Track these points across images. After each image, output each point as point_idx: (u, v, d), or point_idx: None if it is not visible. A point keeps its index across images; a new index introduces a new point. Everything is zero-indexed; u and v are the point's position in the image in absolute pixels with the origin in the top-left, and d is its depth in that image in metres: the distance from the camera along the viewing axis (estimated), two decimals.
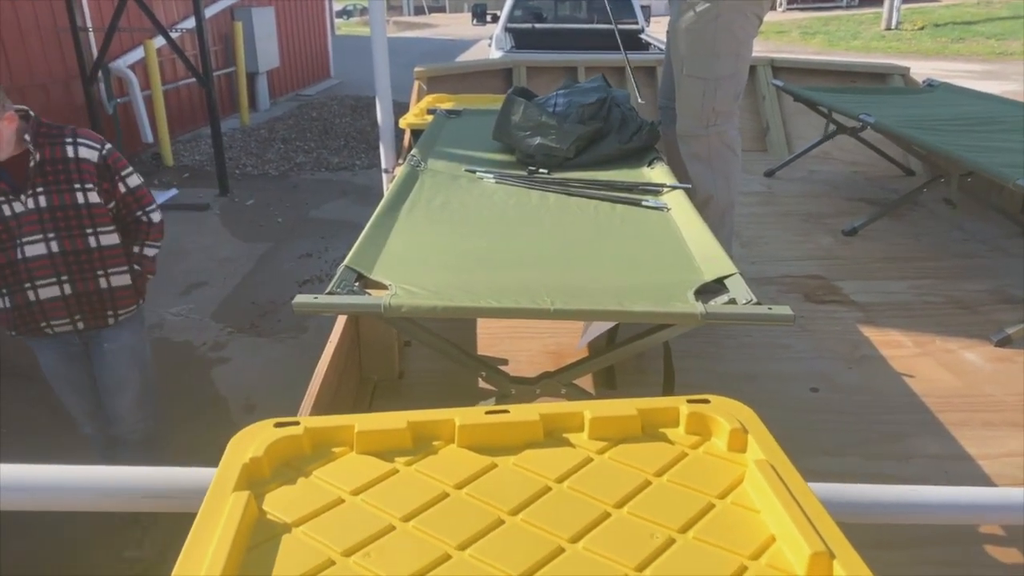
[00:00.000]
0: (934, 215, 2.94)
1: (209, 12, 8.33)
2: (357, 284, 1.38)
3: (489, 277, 1.44)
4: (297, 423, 1.01)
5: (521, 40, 7.01)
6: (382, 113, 2.85)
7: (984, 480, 1.47)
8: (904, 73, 3.92)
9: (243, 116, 8.94)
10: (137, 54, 7.04)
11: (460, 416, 1.02)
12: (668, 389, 1.69)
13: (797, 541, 0.82)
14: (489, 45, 7.31)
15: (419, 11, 35.16)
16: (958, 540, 1.32)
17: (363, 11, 36.91)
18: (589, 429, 1.03)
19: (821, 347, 1.98)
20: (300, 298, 1.27)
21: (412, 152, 2.25)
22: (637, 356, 1.91)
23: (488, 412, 1.04)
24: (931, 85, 3.42)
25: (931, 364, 1.90)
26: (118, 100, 6.93)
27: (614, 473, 0.97)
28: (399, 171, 2.07)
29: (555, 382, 1.42)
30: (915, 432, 1.62)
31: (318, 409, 1.37)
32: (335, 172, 7.34)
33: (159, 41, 6.74)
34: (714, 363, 1.94)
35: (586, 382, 1.83)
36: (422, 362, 1.86)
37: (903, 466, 1.52)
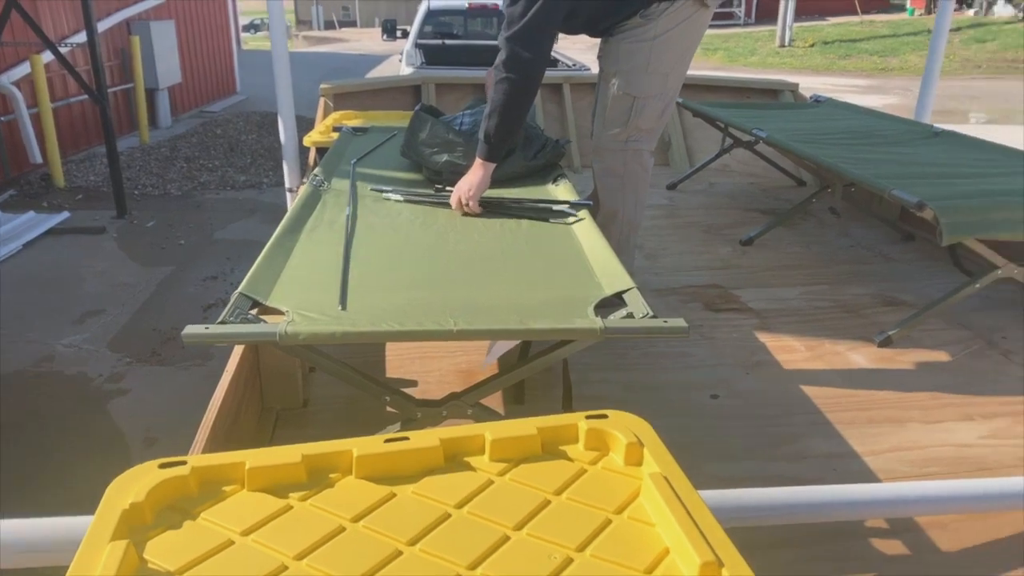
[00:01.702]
0: (823, 224, 3.11)
1: (102, 26, 7.94)
2: (253, 312, 1.34)
3: (391, 299, 1.43)
4: (184, 463, 0.97)
5: (431, 56, 7.00)
6: (284, 131, 2.79)
7: (870, 476, 1.56)
8: (794, 89, 4.15)
9: (143, 134, 8.56)
10: (23, 69, 6.63)
11: (358, 446, 1.00)
12: (567, 405, 1.71)
13: (688, 552, 0.84)
14: (400, 61, 7.27)
15: (329, 25, 34.68)
16: (848, 535, 1.39)
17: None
18: (490, 451, 1.03)
19: (720, 354, 2.06)
20: (189, 329, 1.22)
21: (315, 171, 2.21)
22: (545, 371, 1.93)
23: (387, 440, 1.03)
24: (818, 100, 3.62)
25: (821, 367, 2.00)
26: (2, 119, 6.51)
27: (514, 495, 0.97)
28: (301, 191, 2.03)
29: (462, 403, 1.42)
30: (807, 433, 1.70)
31: (213, 444, 1.31)
32: (241, 191, 7.12)
33: (47, 56, 6.38)
34: (620, 374, 1.98)
35: (495, 400, 1.83)
36: (328, 388, 1.82)
37: (797, 467, 1.59)
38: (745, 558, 1.33)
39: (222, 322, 1.26)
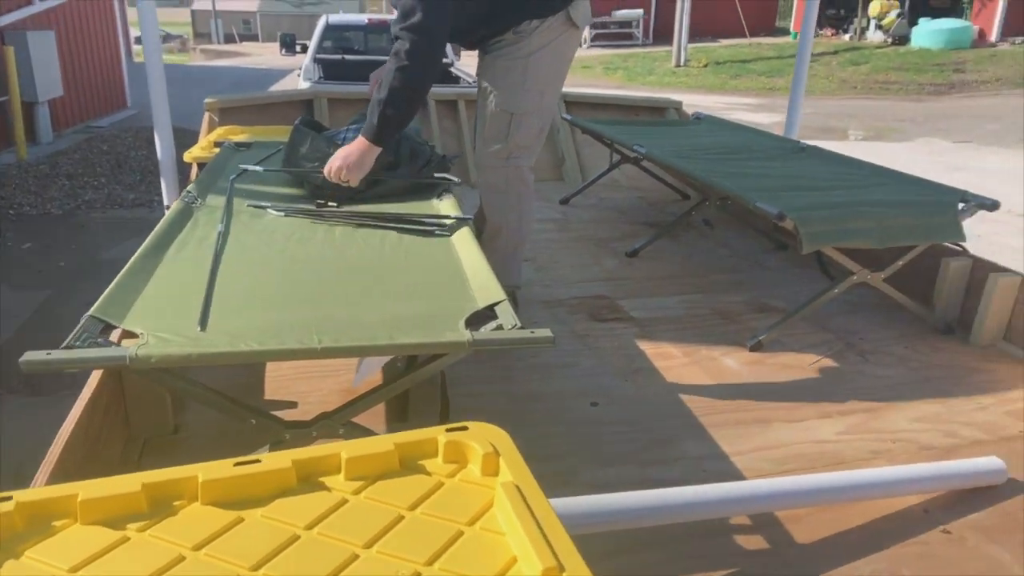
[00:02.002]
0: (704, 235, 3.26)
1: None
2: (104, 336, 1.27)
3: (257, 318, 1.39)
4: (9, 498, 0.91)
5: (330, 71, 6.91)
6: (161, 145, 2.68)
7: (736, 475, 1.63)
8: (678, 107, 4.33)
9: (20, 150, 8.03)
10: None
11: (203, 471, 0.97)
12: (444, 418, 1.71)
13: (533, 559, 0.86)
14: (299, 76, 7.14)
15: (230, 39, 33.66)
16: (713, 533, 1.45)
17: (167, 38, 34.69)
18: (346, 470, 1.02)
19: (602, 363, 2.11)
20: (29, 355, 1.15)
21: (188, 188, 2.14)
22: (431, 386, 1.93)
23: (236, 464, 1.00)
24: (698, 118, 3.80)
25: (696, 371, 2.08)
26: None
27: (368, 512, 0.96)
28: (171, 208, 1.95)
29: (332, 422, 1.40)
30: (680, 436, 1.77)
31: (62, 478, 1.24)
32: (130, 209, 6.78)
33: None
34: (506, 386, 2.00)
35: (378, 418, 1.81)
36: (201, 414, 1.75)
37: (668, 469, 1.64)
38: (612, 561, 1.37)
39: (67, 347, 1.19)
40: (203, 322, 1.33)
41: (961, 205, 2.26)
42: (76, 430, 1.33)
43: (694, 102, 13.81)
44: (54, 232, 6.11)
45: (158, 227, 1.78)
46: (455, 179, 2.28)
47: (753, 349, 2.21)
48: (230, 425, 1.75)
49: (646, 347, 2.21)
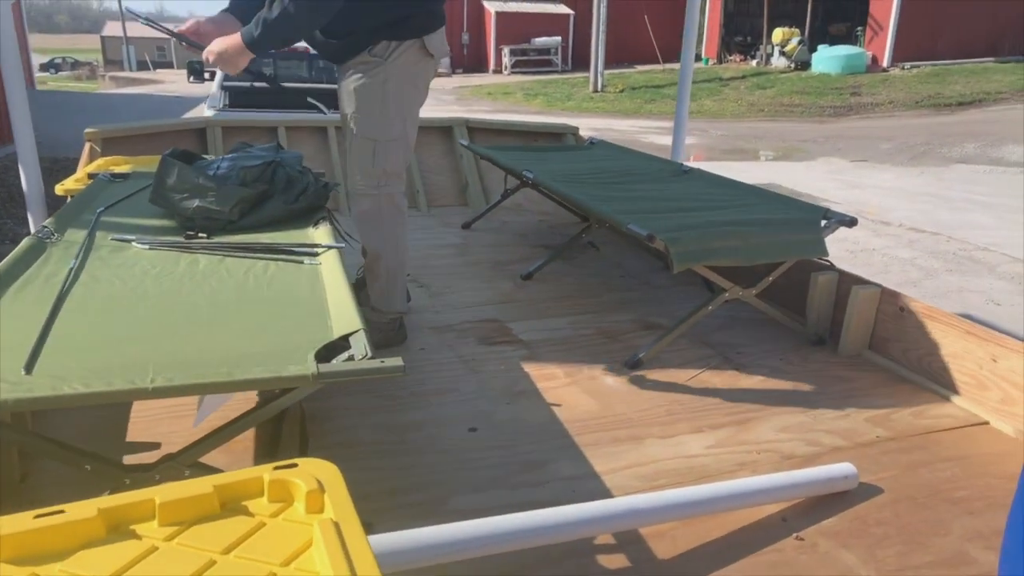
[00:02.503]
0: (599, 257, 3.32)
1: None
2: None
3: (93, 358, 1.33)
4: None
5: (237, 99, 6.77)
6: (26, 177, 2.56)
7: (605, 494, 1.65)
8: (575, 132, 4.43)
9: None
10: None
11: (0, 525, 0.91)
12: (303, 453, 1.67)
13: None
14: (205, 104, 6.97)
15: (143, 66, 32.66)
16: (576, 554, 1.45)
17: (74, 65, 33.44)
18: (160, 515, 0.97)
19: (485, 387, 2.11)
20: None
21: (45, 223, 2.04)
22: (312, 419, 1.88)
23: (37, 516, 0.94)
24: (592, 143, 3.90)
25: (576, 391, 2.10)
26: None
27: (178, 559, 0.92)
28: (20, 245, 1.86)
29: (177, 464, 1.34)
30: (554, 457, 1.78)
31: None
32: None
33: None
34: (386, 416, 1.97)
35: (246, 455, 1.75)
36: (50, 459, 1.65)
37: (538, 491, 1.65)
38: None
39: None
40: (30, 365, 1.26)
41: (824, 222, 2.37)
42: None
43: (609, 126, 14.19)
44: None
45: (1, 266, 1.68)
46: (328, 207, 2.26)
47: (632, 367, 2.25)
48: (81, 472, 1.66)
49: (531, 369, 2.23)
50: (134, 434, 1.84)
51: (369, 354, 1.36)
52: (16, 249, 1.82)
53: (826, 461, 1.78)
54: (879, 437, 1.91)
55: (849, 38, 20.32)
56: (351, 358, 1.38)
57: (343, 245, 2.00)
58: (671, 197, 2.70)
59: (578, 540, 1.48)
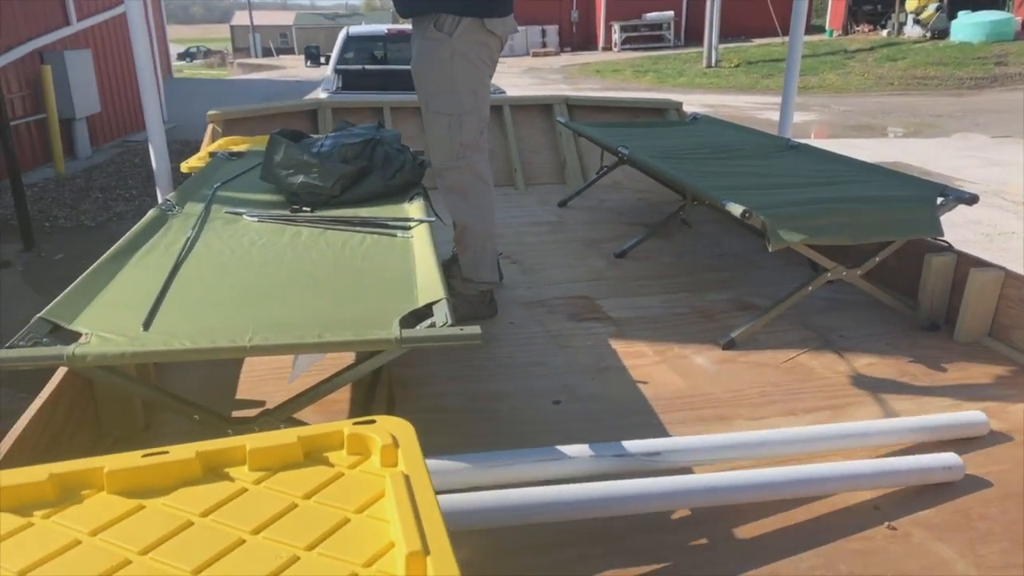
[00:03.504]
0: (695, 234, 3.23)
1: (10, 56, 7.77)
2: (53, 336, 1.34)
3: (200, 318, 1.44)
4: None
5: (350, 81, 7.04)
6: (155, 156, 2.78)
7: (686, 471, 1.62)
8: (677, 107, 4.31)
9: (57, 164, 8.36)
10: None
11: (110, 462, 1.02)
12: (389, 413, 1.74)
13: (402, 544, 0.88)
14: (320, 87, 7.29)
15: (267, 53, 34.47)
16: (648, 529, 1.44)
17: (207, 53, 35.75)
18: (249, 461, 1.06)
19: (572, 362, 2.12)
20: None
21: (168, 196, 2.22)
22: (403, 383, 1.97)
23: (145, 455, 1.05)
24: (695, 118, 3.78)
25: (665, 370, 2.08)
26: None
27: (264, 500, 1.00)
28: (145, 216, 2.03)
29: (273, 418, 1.44)
30: (636, 433, 1.76)
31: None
32: None
33: None
34: (473, 385, 2.02)
35: (340, 414, 1.85)
36: (165, 410, 1.81)
37: (618, 464, 1.64)
38: (545, 555, 1.38)
39: (10, 346, 1.26)
40: (147, 323, 1.39)
41: (940, 199, 2.21)
42: (31, 426, 1.40)
43: (723, 103, 13.69)
44: (86, 243, 6.34)
45: (127, 234, 1.86)
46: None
47: (726, 347, 2.19)
48: (198, 422, 1.82)
49: (618, 346, 2.22)
50: (241, 392, 1.98)
51: (450, 322, 1.41)
52: (141, 220, 1.99)
53: (930, 451, 1.68)
54: (992, 429, 1.77)
55: (995, 3, 18.55)
56: (433, 325, 1.43)
57: (434, 219, 2.06)
58: (774, 173, 2.59)
59: (655, 514, 1.47)
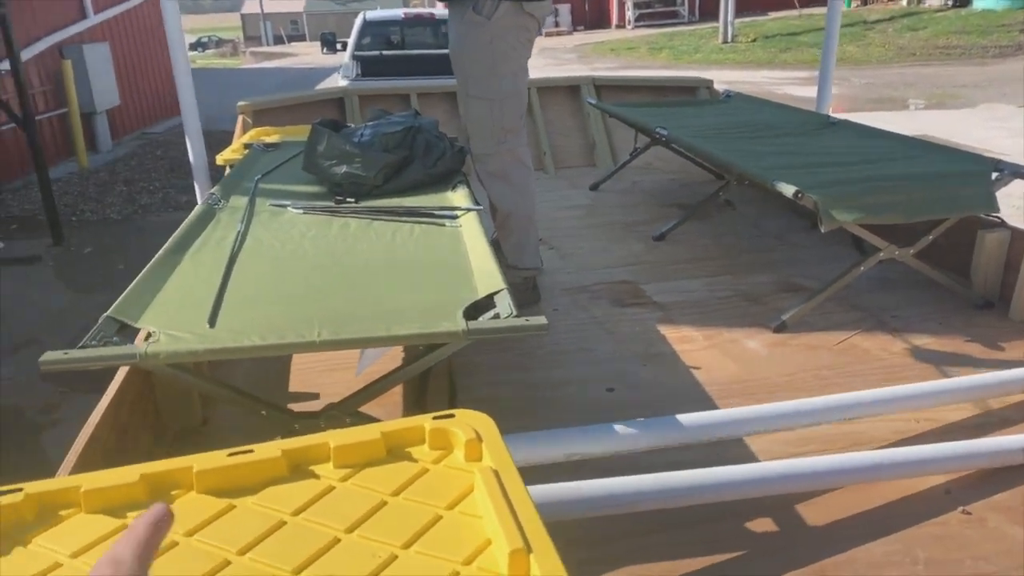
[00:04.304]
0: (736, 216, 3.19)
1: (31, 51, 7.80)
2: (120, 335, 1.34)
3: (264, 313, 1.44)
4: (19, 490, 0.98)
5: (368, 68, 7.01)
6: (192, 149, 2.78)
7: (750, 458, 1.61)
8: (709, 85, 4.24)
9: (81, 159, 8.41)
10: None
11: (198, 462, 1.02)
12: (451, 406, 1.73)
13: (503, 541, 0.87)
14: (338, 74, 7.27)
15: (278, 40, 34.41)
16: (721, 517, 1.43)
17: (219, 43, 35.75)
18: (334, 458, 1.05)
19: (620, 348, 2.11)
20: (48, 355, 1.23)
21: (212, 190, 2.22)
22: (453, 375, 1.96)
23: (230, 454, 1.05)
24: (728, 96, 3.72)
25: (716, 355, 2.05)
26: None
27: (353, 498, 0.99)
28: (193, 211, 2.03)
29: (339, 412, 1.44)
30: None
31: (86, 469, 1.31)
32: (183, 211, 7.00)
33: None
34: (525, 374, 2.02)
35: (395, 407, 1.85)
36: (228, 405, 1.82)
37: (680, 453, 1.63)
38: (615, 544, 1.38)
39: (83, 346, 1.26)
40: (212, 319, 1.38)
41: (995, 175, 2.16)
42: (101, 424, 1.41)
43: (742, 78, 13.50)
44: (113, 236, 6.40)
45: (178, 229, 1.86)
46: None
47: (777, 330, 2.17)
48: (254, 417, 1.82)
49: (667, 331, 2.20)
50: (294, 385, 1.99)
51: (514, 313, 1.40)
52: (191, 215, 1.99)
53: (995, 433, 1.65)
54: None
55: None
56: (497, 316, 1.41)
57: (481, 207, 2.04)
58: (818, 151, 2.54)
59: (723, 503, 1.46)
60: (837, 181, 2.15)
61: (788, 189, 2.03)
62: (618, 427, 1.45)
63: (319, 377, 2.00)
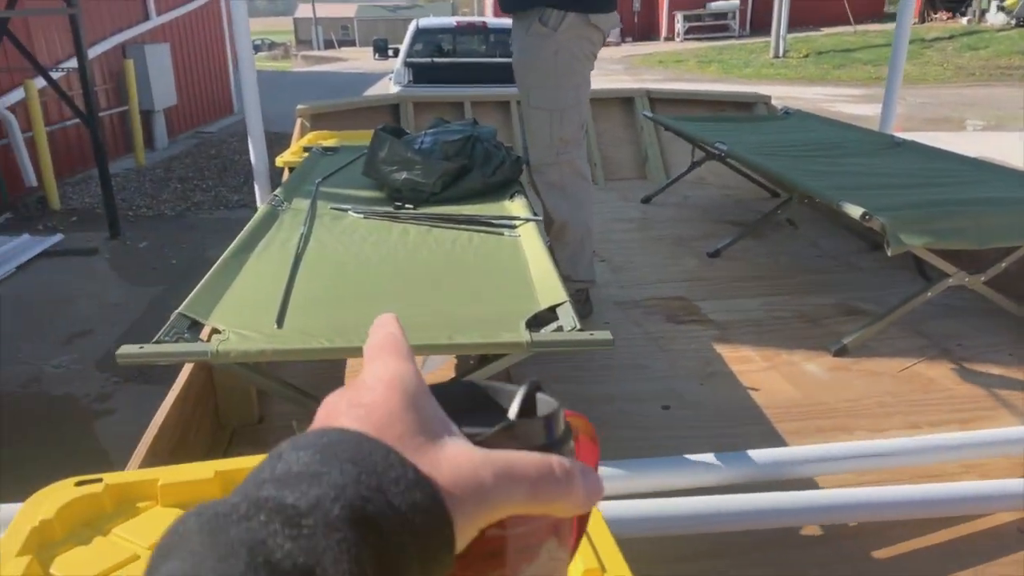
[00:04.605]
0: (792, 235, 3.14)
1: (97, 50, 8.07)
2: (191, 331, 1.37)
3: (329, 316, 1.46)
4: (99, 480, 1.00)
5: (420, 74, 7.08)
6: (255, 152, 2.84)
7: (810, 484, 1.57)
8: (766, 101, 4.19)
9: (138, 156, 8.66)
10: (17, 95, 6.74)
11: None
12: None
13: (576, 560, 0.86)
14: (391, 79, 7.35)
15: (329, 45, 35.01)
16: (783, 543, 1.40)
17: (271, 46, 36.53)
18: None
19: (676, 366, 2.08)
20: (124, 349, 1.26)
21: (275, 192, 2.26)
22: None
23: None
24: (787, 113, 3.66)
25: (775, 377, 2.01)
26: None
27: None
28: (258, 212, 2.07)
29: None
30: (753, 443, 1.71)
31: (154, 461, 1.34)
32: (234, 210, 7.18)
33: (41, 81, 6.48)
34: (578, 386, 2.00)
35: None
36: (285, 404, 1.84)
37: (744, 475, 1.60)
38: (675, 567, 1.35)
39: (157, 341, 1.29)
40: (280, 320, 1.40)
41: None
42: (168, 419, 1.44)
43: (793, 94, 13.30)
44: (166, 231, 6.56)
45: (244, 230, 1.89)
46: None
47: (838, 354, 2.12)
48: (311, 416, 1.84)
49: (723, 350, 2.16)
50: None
51: (577, 326, 1.39)
52: (256, 215, 2.03)
53: None
54: None
55: None
56: (559, 329, 1.41)
57: (540, 218, 2.04)
58: (884, 172, 2.48)
59: (783, 529, 1.43)
60: (905, 204, 2.10)
61: (855, 211, 1.98)
62: (694, 459, 1.42)
63: None
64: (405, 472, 0.26)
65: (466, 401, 0.34)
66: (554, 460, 0.30)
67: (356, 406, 0.29)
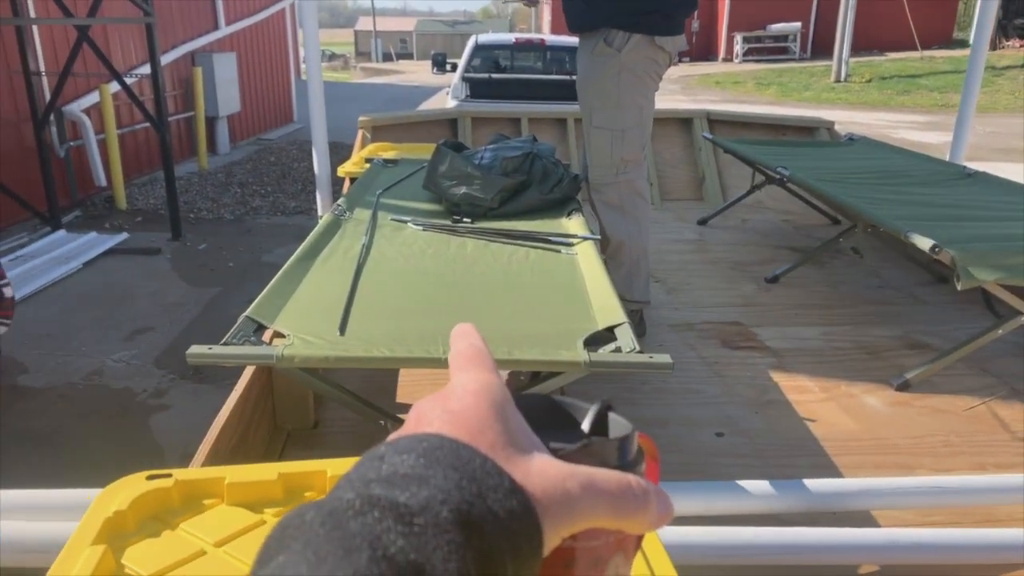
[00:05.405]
0: (853, 264, 3.06)
1: (168, 57, 8.39)
2: (257, 335, 1.40)
3: (390, 326, 1.48)
4: (169, 475, 1.03)
5: (477, 90, 7.16)
6: (318, 161, 2.91)
7: (870, 522, 1.52)
8: (829, 127, 4.11)
9: (201, 160, 8.95)
10: (92, 98, 7.05)
11: (331, 467, 1.05)
12: None
13: None
14: (448, 93, 7.46)
15: (387, 57, 35.71)
16: None
17: (331, 57, 37.46)
18: None
19: (731, 392, 2.04)
20: (195, 348, 1.29)
21: (338, 201, 2.30)
22: None
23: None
24: (851, 139, 3.59)
25: (833, 408, 1.96)
26: (71, 143, 6.90)
27: None
28: (322, 220, 2.12)
29: None
30: (810, 475, 1.67)
31: (216, 460, 1.38)
32: (291, 216, 7.36)
33: (115, 85, 6.77)
34: (631, 409, 1.98)
35: None
36: (338, 411, 1.87)
37: (799, 504, 1.56)
38: None
39: (225, 343, 1.33)
40: (342, 327, 1.43)
41: None
42: (229, 419, 1.47)
43: (854, 119, 13.03)
44: (226, 235, 6.75)
45: (309, 237, 1.93)
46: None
47: (900, 389, 2.05)
48: (363, 423, 1.87)
49: (780, 379, 2.12)
50: (401, 396, 2.03)
51: (636, 348, 1.38)
52: (320, 224, 2.07)
53: None
54: None
55: None
56: (617, 349, 1.40)
57: (598, 237, 2.04)
58: (954, 204, 2.41)
59: (840, 566, 1.39)
60: (976, 237, 2.03)
61: (924, 243, 1.93)
62: (747, 484, 1.40)
63: (425, 390, 2.03)
64: (502, 480, 0.27)
65: (543, 415, 0.35)
66: (632, 479, 0.31)
67: (448, 412, 0.31)
